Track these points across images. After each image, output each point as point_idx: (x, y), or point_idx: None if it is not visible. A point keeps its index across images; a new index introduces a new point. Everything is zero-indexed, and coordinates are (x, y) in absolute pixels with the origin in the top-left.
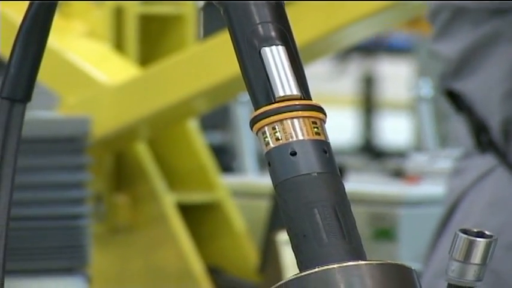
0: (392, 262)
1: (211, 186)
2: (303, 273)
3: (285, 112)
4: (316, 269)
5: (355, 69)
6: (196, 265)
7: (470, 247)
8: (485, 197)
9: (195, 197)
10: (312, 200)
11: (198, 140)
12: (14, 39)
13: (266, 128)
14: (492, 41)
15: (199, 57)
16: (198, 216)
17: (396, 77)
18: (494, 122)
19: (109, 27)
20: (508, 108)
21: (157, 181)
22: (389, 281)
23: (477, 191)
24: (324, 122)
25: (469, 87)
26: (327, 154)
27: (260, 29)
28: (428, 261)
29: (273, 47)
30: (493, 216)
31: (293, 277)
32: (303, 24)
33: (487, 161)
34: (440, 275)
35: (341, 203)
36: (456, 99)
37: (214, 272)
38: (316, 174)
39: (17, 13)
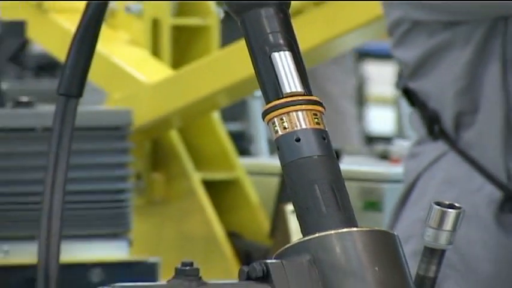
0: (379, 229)
1: (231, 166)
2: (305, 238)
3: (290, 106)
4: (317, 235)
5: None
6: (219, 231)
7: (443, 217)
8: (439, 176)
9: (218, 175)
10: (313, 178)
11: (220, 128)
12: (69, 45)
13: (275, 119)
14: (445, 48)
15: (221, 60)
16: (220, 191)
17: (382, 77)
18: (447, 115)
19: (147, 36)
20: (459, 104)
21: (187, 162)
22: (376, 245)
23: (432, 172)
24: (323, 113)
25: (425, 86)
26: (325, 140)
27: (270, 37)
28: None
29: (281, 52)
30: (446, 193)
31: (298, 241)
32: (306, 33)
33: (439, 146)
34: (403, 242)
35: (337, 180)
36: (411, 96)
37: (233, 236)
38: (316, 156)
39: (70, 23)
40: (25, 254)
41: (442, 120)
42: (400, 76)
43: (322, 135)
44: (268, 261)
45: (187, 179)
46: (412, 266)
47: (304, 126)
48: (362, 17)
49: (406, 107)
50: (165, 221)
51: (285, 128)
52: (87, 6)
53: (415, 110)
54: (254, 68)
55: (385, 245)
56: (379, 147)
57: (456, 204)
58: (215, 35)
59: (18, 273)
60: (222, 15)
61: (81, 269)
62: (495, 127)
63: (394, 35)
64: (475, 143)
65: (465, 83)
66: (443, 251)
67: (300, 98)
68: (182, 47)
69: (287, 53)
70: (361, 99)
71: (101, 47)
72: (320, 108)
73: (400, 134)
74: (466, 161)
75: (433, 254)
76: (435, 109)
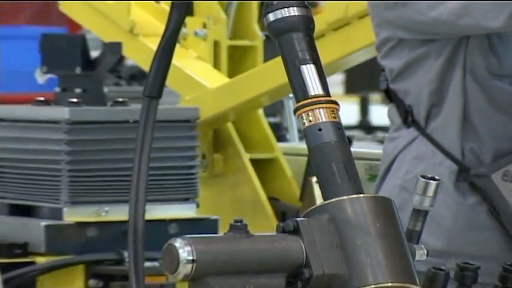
0: (380, 195)
1: (271, 148)
2: (325, 202)
3: (314, 105)
4: (334, 200)
5: None
6: (263, 196)
7: (426, 186)
8: (411, 154)
9: (262, 155)
10: (331, 158)
11: (263, 121)
12: (152, 60)
13: (303, 114)
14: (422, 59)
15: (264, 71)
16: (263, 167)
17: None
18: (421, 108)
19: (210, 53)
20: (430, 100)
21: (239, 146)
22: (378, 207)
23: (406, 151)
24: (338, 110)
25: (405, 87)
26: (340, 130)
27: (300, 54)
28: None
29: (307, 65)
30: (417, 167)
31: (319, 204)
32: (326, 51)
33: (411, 132)
34: None
35: (348, 159)
36: (390, 95)
37: (273, 200)
38: (333, 142)
39: (152, 44)
40: (120, 212)
41: (415, 112)
42: (381, 80)
43: (337, 126)
44: (298, 219)
45: (239, 158)
46: None
47: (324, 120)
48: (368, 39)
49: None
50: (223, 190)
51: (310, 121)
52: (165, 30)
53: (393, 105)
54: (288, 77)
55: (384, 207)
56: (380, 135)
57: (436, 177)
58: (260, 52)
59: (116, 227)
60: (264, 37)
61: (162, 224)
62: (455, 117)
63: (382, 49)
64: (439, 129)
65: (436, 85)
66: (426, 212)
67: (321, 99)
68: (235, 61)
69: (312, 65)
70: (366, 100)
71: (176, 61)
72: (336, 106)
73: None
74: (432, 143)
75: (419, 214)
76: (411, 104)
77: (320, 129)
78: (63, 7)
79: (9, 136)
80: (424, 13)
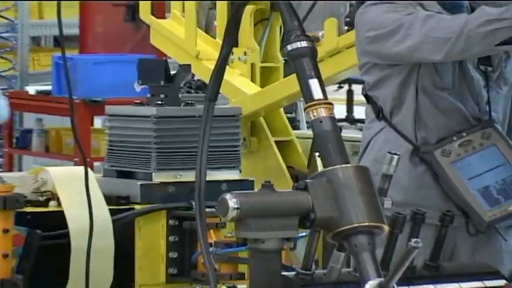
0: (360, 165)
1: (289, 134)
2: (324, 169)
3: (317, 105)
4: (330, 168)
5: None
6: (283, 166)
7: (391, 159)
8: (381, 139)
9: (282, 138)
10: (328, 140)
11: (283, 115)
12: (210, 75)
13: (310, 111)
14: (388, 76)
15: (284, 83)
16: (284, 146)
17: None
18: (388, 108)
19: (248, 72)
20: (394, 103)
21: (267, 132)
22: (359, 173)
23: (377, 137)
24: (333, 108)
25: (378, 94)
26: (334, 122)
27: (307, 72)
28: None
29: (313, 79)
30: (385, 147)
31: (320, 171)
32: (324, 70)
33: (381, 124)
34: None
35: (339, 141)
36: (369, 99)
37: (290, 168)
38: (329, 130)
39: (211, 65)
40: (190, 176)
41: (384, 111)
42: (363, 88)
43: (332, 119)
44: (307, 180)
45: (267, 140)
46: None
47: (323, 115)
48: (352, 63)
49: None
50: (257, 161)
51: (314, 116)
52: (219, 57)
53: (369, 106)
54: (300, 87)
55: (363, 173)
56: (359, 125)
57: (397, 153)
58: (281, 71)
59: (187, 185)
60: (284, 61)
61: (217, 183)
62: (410, 115)
63: (363, 69)
64: (400, 123)
65: (397, 94)
66: (391, 176)
67: (321, 101)
68: (265, 77)
69: (315, 79)
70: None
71: (226, 76)
72: (331, 106)
73: None
74: (395, 131)
75: (386, 178)
76: (381, 105)
77: (321, 122)
78: (154, 42)
79: (118, 126)
80: (390, 49)
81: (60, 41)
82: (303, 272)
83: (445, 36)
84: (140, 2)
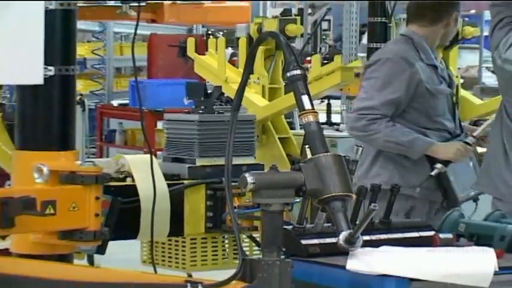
0: (337, 154)
1: (287, 132)
2: (312, 157)
3: (306, 113)
4: (316, 156)
5: None
6: (283, 154)
7: (357, 150)
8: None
9: (283, 135)
10: (314, 137)
11: (283, 120)
12: (235, 93)
13: (302, 117)
14: None
15: (285, 98)
16: (284, 141)
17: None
18: None
19: (260, 90)
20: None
21: (273, 131)
22: (336, 159)
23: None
24: (318, 115)
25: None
26: (318, 124)
27: (301, 90)
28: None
29: (304, 95)
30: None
31: (309, 158)
32: (312, 90)
33: None
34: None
35: (322, 137)
36: None
37: (289, 156)
38: (315, 130)
39: (235, 86)
40: (221, 160)
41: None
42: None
43: (318, 123)
44: (300, 164)
45: (273, 137)
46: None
47: (311, 120)
48: (331, 84)
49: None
50: (266, 151)
51: (305, 120)
52: (241, 81)
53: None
54: (295, 101)
55: (338, 159)
56: (339, 126)
57: (361, 146)
58: (282, 90)
59: (219, 167)
60: (284, 83)
61: (239, 166)
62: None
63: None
64: None
65: None
66: (357, 161)
67: (310, 110)
68: (271, 94)
69: (306, 96)
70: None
71: (245, 94)
72: (317, 114)
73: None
74: None
75: (354, 162)
76: None
77: (310, 124)
78: (197, 70)
79: (173, 127)
80: None
81: (134, 70)
82: (298, 226)
83: None
84: (188, 43)
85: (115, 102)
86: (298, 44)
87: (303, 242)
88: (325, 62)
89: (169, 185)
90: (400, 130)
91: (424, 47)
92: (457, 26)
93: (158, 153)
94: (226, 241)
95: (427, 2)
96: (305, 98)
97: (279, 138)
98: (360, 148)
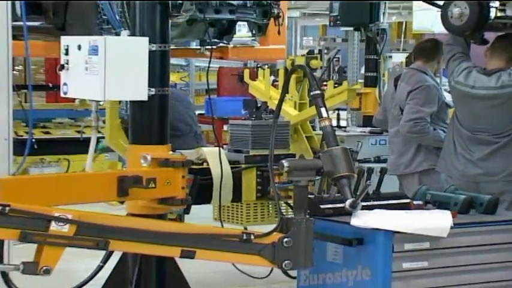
0: (344, 147)
1: (311, 132)
2: (327, 149)
3: (324, 119)
4: (330, 148)
5: None
6: (309, 148)
7: (359, 144)
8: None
9: (308, 134)
10: (329, 136)
11: (308, 125)
12: (276, 105)
13: (321, 122)
14: None
15: (310, 110)
16: (309, 139)
17: None
18: None
19: (292, 104)
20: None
21: (301, 132)
22: (343, 150)
23: None
24: (332, 121)
25: None
26: (333, 127)
27: (320, 104)
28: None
29: (322, 108)
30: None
31: (325, 150)
32: (327, 104)
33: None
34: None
35: (334, 136)
36: None
37: (312, 148)
38: (330, 131)
39: (275, 101)
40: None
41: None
42: None
43: (332, 126)
44: (319, 154)
45: (301, 135)
46: None
47: (327, 124)
48: (340, 101)
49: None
50: (296, 145)
51: (323, 124)
52: (280, 98)
53: None
54: (316, 111)
55: (346, 151)
56: (345, 128)
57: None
58: (308, 104)
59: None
60: (309, 99)
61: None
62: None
63: None
64: None
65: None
66: (358, 152)
67: (326, 117)
68: (301, 107)
69: (324, 108)
70: (338, 117)
71: (283, 107)
72: (331, 120)
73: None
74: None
75: (355, 152)
76: None
77: (326, 127)
78: (250, 91)
79: (235, 129)
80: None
81: (207, 91)
82: (317, 195)
83: None
84: (244, 72)
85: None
86: (318, 73)
87: (321, 206)
88: (336, 85)
89: (232, 168)
90: (438, 133)
91: (432, 76)
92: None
93: (224, 146)
94: (270, 205)
95: (429, 45)
96: (323, 110)
97: (305, 136)
98: (360, 143)
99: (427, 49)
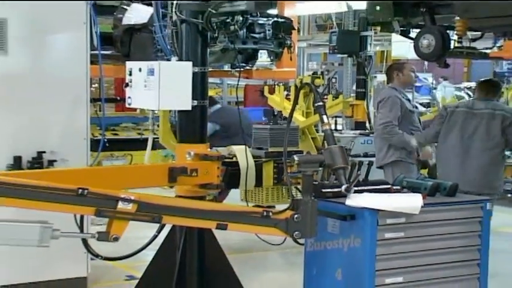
0: (340, 145)
1: (315, 134)
2: (328, 147)
3: (325, 124)
4: (330, 146)
5: None
6: (313, 146)
7: (352, 141)
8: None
9: (313, 136)
10: (329, 137)
11: (313, 128)
12: (289, 113)
13: (323, 126)
14: None
15: (314, 116)
16: (314, 140)
17: None
18: None
19: (301, 113)
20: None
21: (308, 134)
22: (340, 148)
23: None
24: (331, 125)
25: None
26: (332, 130)
27: (322, 112)
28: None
29: (324, 115)
30: None
31: (326, 147)
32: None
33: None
34: None
35: (333, 137)
36: None
37: (316, 147)
38: (330, 133)
39: (288, 110)
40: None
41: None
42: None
43: (331, 130)
44: (322, 150)
45: (308, 136)
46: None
47: (327, 128)
48: (335, 110)
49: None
50: (303, 144)
51: (324, 128)
52: (292, 108)
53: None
54: (320, 118)
55: (342, 149)
56: (341, 131)
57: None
58: (312, 112)
59: (280, 153)
60: (313, 109)
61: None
62: None
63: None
64: None
65: None
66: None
67: (327, 123)
68: (308, 115)
69: (325, 115)
70: (335, 123)
71: (294, 115)
72: (331, 125)
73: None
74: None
75: (347, 149)
76: None
77: (327, 130)
78: (269, 102)
79: (257, 131)
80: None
81: (237, 103)
82: (320, 182)
83: None
84: (264, 89)
85: None
86: (321, 89)
87: (323, 190)
88: (334, 98)
89: (255, 161)
90: (402, 135)
91: (400, 90)
92: (411, 74)
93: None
94: (283, 190)
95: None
96: (324, 117)
97: (311, 137)
98: (353, 142)
99: (388, 72)
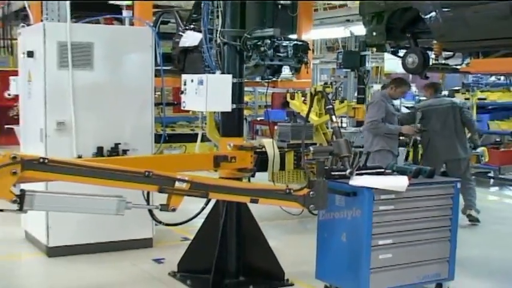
0: (346, 139)
1: (326, 130)
2: (334, 140)
3: (334, 123)
4: (336, 140)
5: None
6: (324, 139)
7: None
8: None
9: (324, 131)
10: (336, 132)
11: (324, 125)
12: (305, 114)
13: (331, 124)
14: None
15: (325, 116)
16: (325, 134)
17: None
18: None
19: (316, 114)
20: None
21: (320, 130)
22: (345, 142)
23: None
24: (339, 123)
25: None
26: (339, 127)
27: (331, 113)
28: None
29: (333, 115)
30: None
31: (334, 140)
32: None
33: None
34: None
35: (340, 132)
36: None
37: (326, 141)
38: (337, 129)
39: (305, 112)
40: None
41: None
42: None
43: (339, 126)
44: (331, 142)
45: (320, 132)
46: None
47: (336, 125)
48: (340, 112)
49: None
50: (317, 138)
51: (333, 125)
52: (308, 110)
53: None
54: (329, 118)
55: (347, 141)
56: (345, 128)
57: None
58: (324, 114)
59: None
60: (325, 111)
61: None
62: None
63: None
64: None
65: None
66: (353, 142)
67: (335, 121)
68: (320, 115)
69: (334, 116)
70: (340, 122)
71: (310, 115)
72: (338, 123)
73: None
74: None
75: (349, 143)
76: None
77: (335, 127)
78: (291, 106)
79: (281, 128)
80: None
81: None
82: (330, 167)
83: None
84: (286, 95)
85: (258, 118)
86: (330, 96)
87: (332, 173)
88: (340, 103)
89: (279, 151)
90: (386, 126)
91: (387, 97)
92: (399, 93)
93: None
94: (302, 172)
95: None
96: (333, 117)
97: (322, 133)
98: (354, 136)
99: (389, 83)
